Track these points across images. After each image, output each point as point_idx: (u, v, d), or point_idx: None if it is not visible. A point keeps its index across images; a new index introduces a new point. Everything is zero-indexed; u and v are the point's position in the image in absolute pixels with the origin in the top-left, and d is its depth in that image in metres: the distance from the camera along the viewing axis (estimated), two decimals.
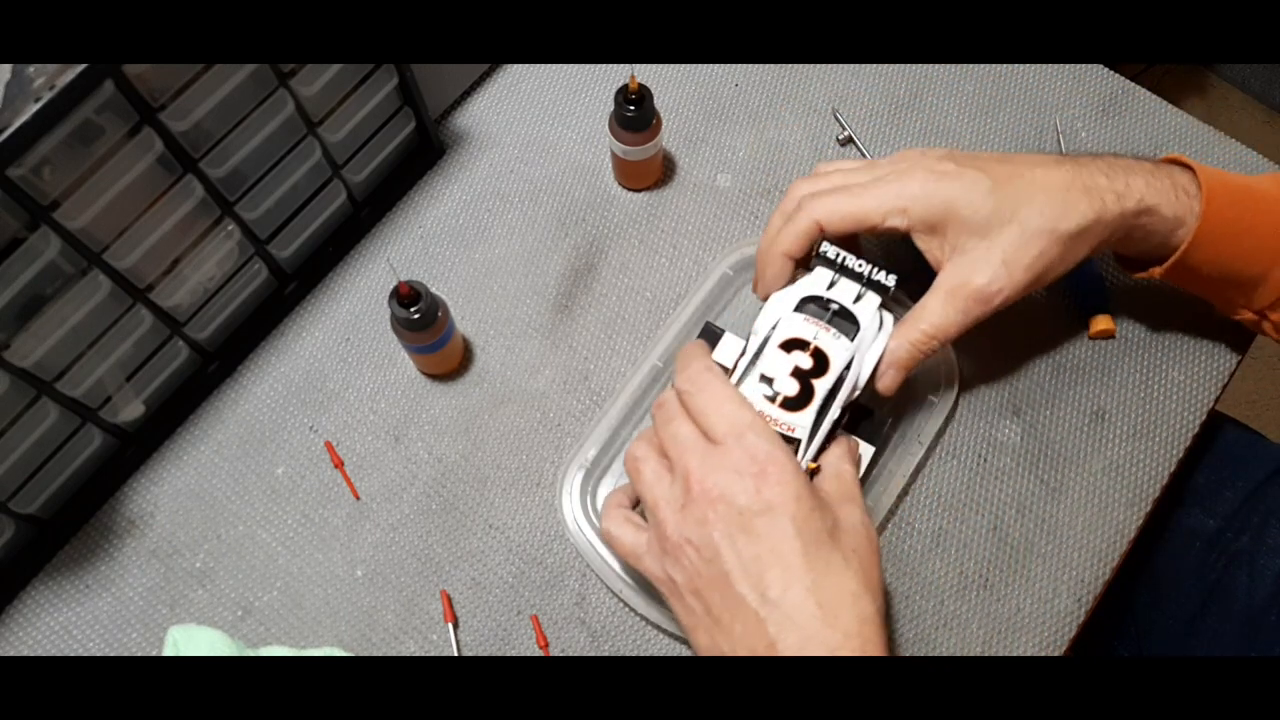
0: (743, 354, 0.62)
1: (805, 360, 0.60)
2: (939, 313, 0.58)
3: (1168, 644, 0.72)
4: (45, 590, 0.63)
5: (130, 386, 0.62)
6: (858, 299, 0.63)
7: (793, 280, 0.62)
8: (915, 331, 0.59)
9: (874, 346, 0.62)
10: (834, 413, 0.60)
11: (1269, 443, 0.77)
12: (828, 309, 0.62)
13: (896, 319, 0.65)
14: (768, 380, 0.60)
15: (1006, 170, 0.57)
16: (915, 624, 0.63)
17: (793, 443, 0.59)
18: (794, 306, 0.62)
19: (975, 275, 0.57)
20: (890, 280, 0.64)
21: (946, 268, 0.59)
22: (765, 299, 0.62)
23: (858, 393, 0.62)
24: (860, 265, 0.64)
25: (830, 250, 0.64)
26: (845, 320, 0.62)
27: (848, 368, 0.60)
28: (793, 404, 0.59)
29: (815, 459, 0.60)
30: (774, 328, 0.61)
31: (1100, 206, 0.56)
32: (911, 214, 0.57)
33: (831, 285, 0.63)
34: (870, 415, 0.64)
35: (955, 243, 0.58)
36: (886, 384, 0.61)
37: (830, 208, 0.59)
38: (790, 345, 0.60)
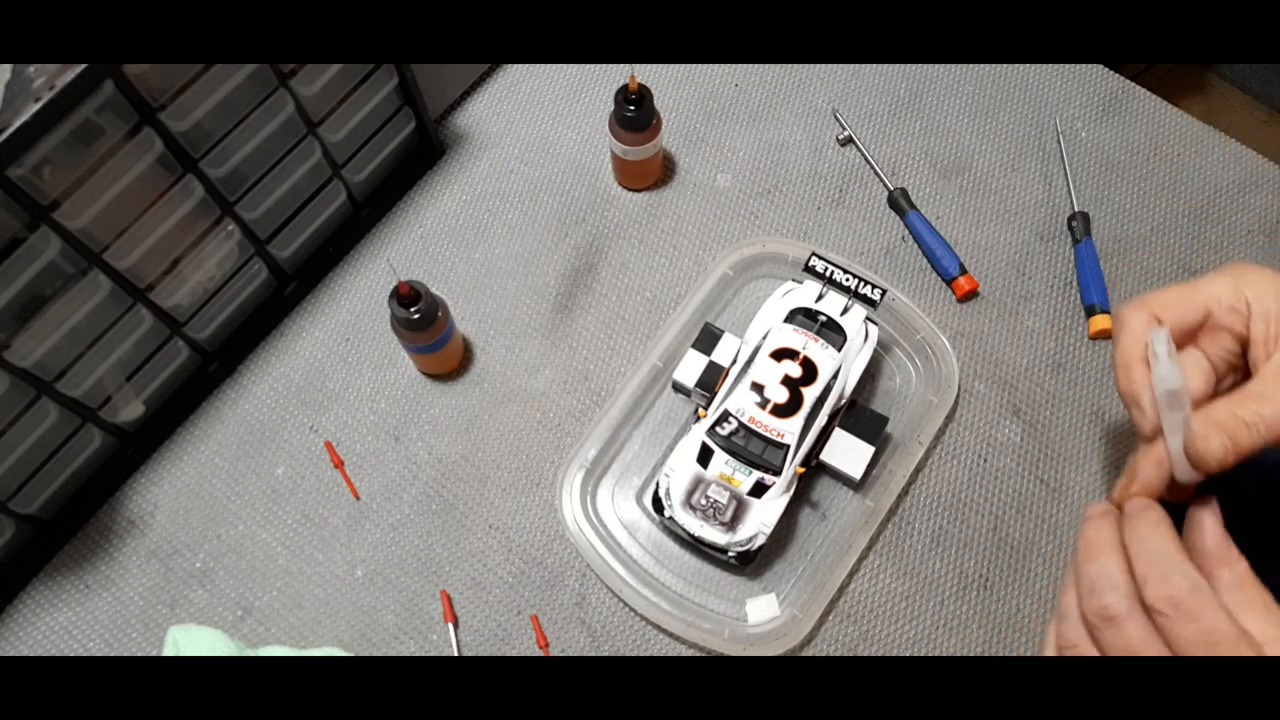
0: (734, 362, 0.64)
1: (795, 369, 0.62)
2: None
3: None
4: (45, 590, 0.63)
5: (130, 386, 0.62)
6: (845, 311, 0.65)
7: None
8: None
9: (860, 357, 0.65)
10: (821, 419, 0.62)
11: None
12: (816, 320, 0.65)
13: (881, 331, 0.67)
14: (759, 388, 0.62)
15: None
16: (915, 624, 0.63)
17: (782, 448, 0.60)
18: (784, 318, 0.64)
19: None
20: (876, 294, 0.66)
21: None
22: (1150, 433, 0.48)
23: (844, 401, 0.63)
24: (848, 279, 0.66)
25: (819, 264, 0.67)
26: (833, 331, 0.64)
27: (835, 377, 0.62)
28: (782, 410, 0.61)
29: (803, 464, 0.61)
30: (765, 337, 0.63)
31: None
32: (1255, 305, 0.47)
33: (820, 298, 0.65)
34: (884, 422, 0.65)
35: None
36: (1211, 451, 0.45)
37: (1160, 295, 0.49)
38: (780, 354, 0.62)
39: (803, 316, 0.65)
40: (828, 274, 0.67)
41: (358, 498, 0.65)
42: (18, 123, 0.45)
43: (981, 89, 0.79)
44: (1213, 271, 0.50)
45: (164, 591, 0.63)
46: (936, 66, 0.80)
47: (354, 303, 0.71)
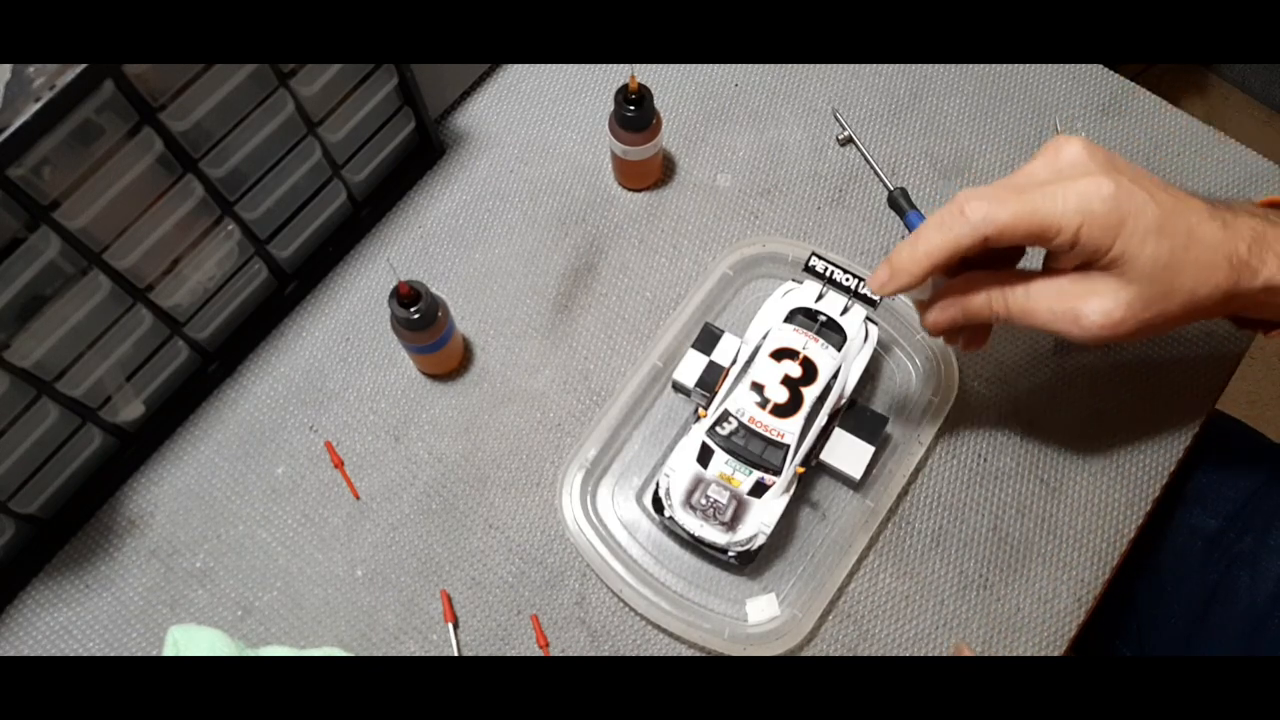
0: (734, 362, 0.64)
1: (795, 369, 0.62)
2: (1037, 300, 0.51)
3: (1170, 643, 0.72)
4: (45, 590, 0.63)
5: (130, 386, 0.62)
6: (845, 311, 0.65)
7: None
8: (1001, 289, 0.53)
9: (860, 357, 0.64)
10: (821, 419, 0.61)
11: (1271, 443, 0.77)
12: (816, 320, 0.65)
13: (881, 331, 0.67)
14: (758, 388, 0.62)
15: (1170, 205, 0.49)
16: (915, 624, 0.63)
17: (782, 448, 0.60)
18: (784, 317, 0.64)
19: (1092, 305, 0.50)
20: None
21: (1070, 276, 0.51)
22: (881, 296, 0.55)
23: (844, 401, 0.63)
24: (848, 279, 0.67)
25: (818, 264, 0.67)
26: (833, 331, 0.64)
27: (835, 377, 0.62)
28: (782, 410, 0.61)
29: (803, 464, 0.61)
30: (765, 337, 0.63)
31: (1235, 281, 0.50)
32: (1086, 229, 0.48)
33: (820, 298, 0.65)
34: (884, 422, 0.65)
35: (1090, 257, 0.50)
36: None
37: (999, 208, 0.49)
38: (780, 354, 0.62)
39: (803, 316, 0.65)
40: (828, 274, 0.67)
41: (358, 498, 0.66)
42: (18, 123, 0.45)
43: (981, 89, 0.79)
44: (1055, 180, 0.49)
45: (164, 591, 0.63)
46: (936, 66, 0.80)
47: (354, 303, 0.71)
